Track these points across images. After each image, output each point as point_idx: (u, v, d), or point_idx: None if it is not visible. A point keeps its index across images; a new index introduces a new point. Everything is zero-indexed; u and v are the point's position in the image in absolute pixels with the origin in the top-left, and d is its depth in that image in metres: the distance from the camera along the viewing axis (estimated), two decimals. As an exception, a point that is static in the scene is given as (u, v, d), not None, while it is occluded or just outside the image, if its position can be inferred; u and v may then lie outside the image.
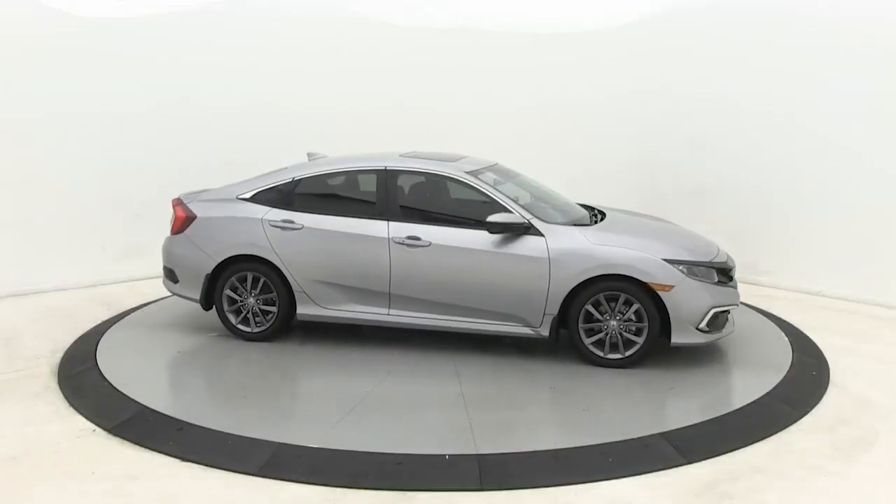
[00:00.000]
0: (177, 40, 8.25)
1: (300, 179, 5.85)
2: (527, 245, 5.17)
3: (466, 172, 5.53)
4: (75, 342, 5.80)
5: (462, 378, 4.98)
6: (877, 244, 7.11)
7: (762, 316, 6.56)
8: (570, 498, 3.53)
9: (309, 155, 6.54)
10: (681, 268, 5.08)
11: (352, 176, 5.85)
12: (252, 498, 3.52)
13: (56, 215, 7.59)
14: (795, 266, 7.72)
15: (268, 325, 5.73)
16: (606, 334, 5.14)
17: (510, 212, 5.25)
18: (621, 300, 5.07)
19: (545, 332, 5.20)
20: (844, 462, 3.90)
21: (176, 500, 3.49)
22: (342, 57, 9.34)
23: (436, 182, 5.69)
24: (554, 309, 5.14)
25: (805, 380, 5.04)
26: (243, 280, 5.75)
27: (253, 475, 3.71)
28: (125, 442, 4.10)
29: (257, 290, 5.72)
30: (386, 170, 5.64)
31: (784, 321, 6.39)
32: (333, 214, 5.62)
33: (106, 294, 7.36)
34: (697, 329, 5.07)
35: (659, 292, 5.00)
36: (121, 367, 5.17)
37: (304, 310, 5.65)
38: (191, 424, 4.23)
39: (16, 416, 4.45)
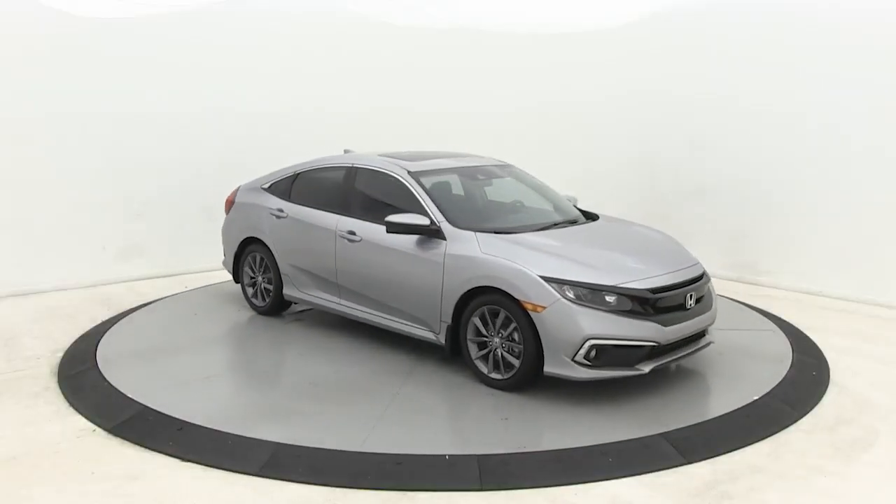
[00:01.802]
0: (177, 40, 8.26)
1: (298, 173, 6.37)
2: (430, 248, 5.02)
3: (408, 172, 5.47)
4: (75, 342, 5.80)
5: (463, 376, 4.98)
6: (877, 244, 7.11)
7: (762, 316, 6.56)
8: (570, 498, 3.53)
9: (345, 151, 6.69)
10: (559, 288, 4.42)
11: (331, 172, 6.13)
12: (252, 498, 3.52)
13: (56, 215, 7.59)
14: (795, 266, 7.72)
15: (268, 301, 6.43)
16: (490, 351, 4.76)
17: (418, 213, 5.08)
18: (501, 316, 4.65)
19: (443, 339, 5.01)
20: (844, 462, 3.90)
21: (176, 500, 3.49)
22: (342, 57, 9.34)
23: (382, 180, 5.63)
24: (448, 317, 4.92)
25: (805, 380, 5.04)
26: (255, 260, 6.49)
27: (253, 475, 3.71)
28: (125, 442, 4.09)
29: (262, 270, 6.45)
30: (351, 167, 5.93)
31: (784, 321, 6.39)
32: (308, 206, 6.06)
33: (106, 294, 7.36)
34: (573, 360, 4.39)
35: (530, 312, 4.45)
36: (120, 366, 5.17)
37: (287, 291, 6.23)
38: (191, 424, 4.23)
39: (16, 416, 4.44)
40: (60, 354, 5.54)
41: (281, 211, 6.21)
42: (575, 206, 5.98)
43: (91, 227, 7.82)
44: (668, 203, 8.90)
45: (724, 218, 8.34)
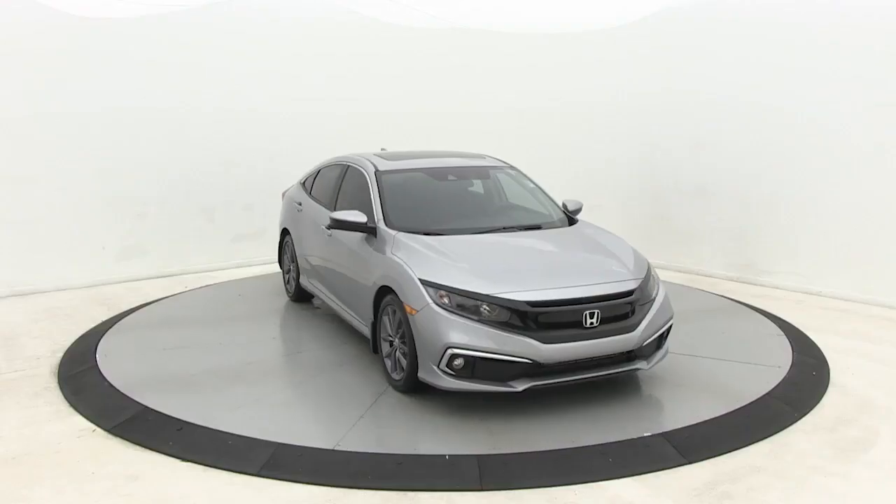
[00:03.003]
0: (178, 40, 8.26)
1: (320, 170, 6.76)
2: (366, 246, 5.16)
3: (375, 171, 5.64)
4: (75, 342, 5.80)
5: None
6: (877, 244, 7.11)
7: (762, 316, 6.55)
8: (570, 498, 3.53)
9: (381, 149, 6.85)
10: (434, 292, 4.31)
11: (335, 170, 6.40)
12: (252, 498, 3.52)
13: (56, 215, 7.60)
14: (795, 266, 7.72)
15: (293, 289, 6.89)
16: (394, 351, 4.74)
17: (360, 211, 5.20)
18: (396, 317, 4.63)
19: (369, 335, 5.08)
20: (844, 462, 3.90)
21: (176, 500, 3.49)
22: (343, 58, 9.34)
23: (358, 178, 5.81)
24: (370, 314, 4.99)
25: (805, 380, 5.03)
26: (289, 249, 6.98)
27: (253, 475, 3.71)
28: (125, 442, 4.10)
29: (291, 259, 6.93)
30: (344, 165, 6.22)
31: (784, 321, 6.39)
32: (315, 201, 6.45)
33: (106, 294, 7.36)
34: (437, 368, 4.25)
35: (409, 314, 4.40)
36: (121, 366, 5.17)
37: (302, 280, 6.64)
38: (191, 424, 4.23)
39: (16, 416, 4.45)
40: (60, 354, 5.54)
41: (300, 204, 6.71)
42: (565, 212, 5.71)
43: (91, 227, 7.83)
44: (668, 203, 8.91)
45: (725, 218, 8.34)
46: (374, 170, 5.66)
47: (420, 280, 4.40)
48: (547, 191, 6.10)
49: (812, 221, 7.59)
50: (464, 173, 6.03)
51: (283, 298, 7.14)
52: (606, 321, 4.37)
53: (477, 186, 6.01)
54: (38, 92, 7.44)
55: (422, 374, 4.39)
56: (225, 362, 5.34)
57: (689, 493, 3.56)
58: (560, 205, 5.84)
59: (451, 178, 5.93)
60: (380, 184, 5.48)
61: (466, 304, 4.25)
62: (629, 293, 4.51)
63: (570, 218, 5.66)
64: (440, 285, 4.33)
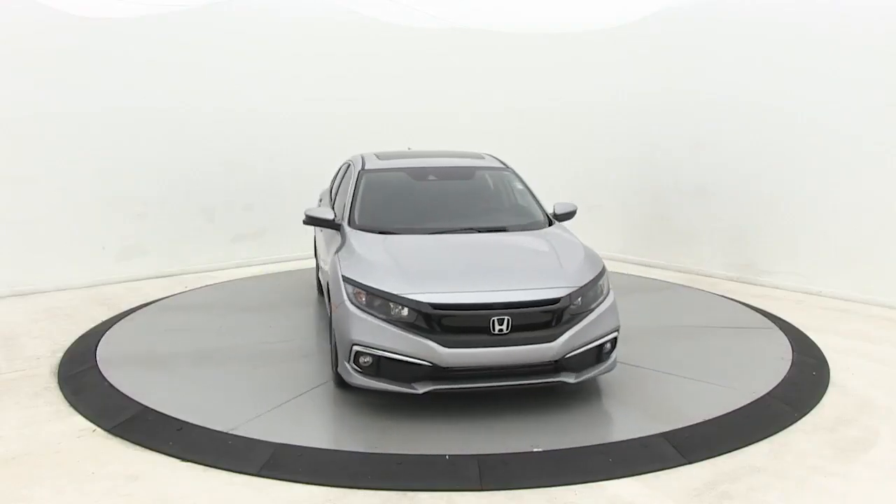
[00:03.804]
0: (178, 40, 8.26)
1: (341, 167, 6.82)
2: (332, 243, 5.29)
3: (362, 169, 5.83)
4: (75, 342, 5.80)
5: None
6: (877, 244, 7.11)
7: (762, 316, 6.55)
8: (570, 498, 3.53)
9: (408, 148, 7.05)
10: (352, 290, 4.38)
11: (343, 168, 6.58)
12: (252, 498, 3.52)
13: (56, 215, 7.59)
14: (795, 266, 7.72)
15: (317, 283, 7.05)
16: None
17: (330, 208, 5.58)
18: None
19: None
20: (844, 462, 3.89)
21: (176, 500, 3.49)
22: (343, 57, 9.34)
23: (351, 176, 5.95)
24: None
25: (805, 380, 5.03)
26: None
27: (253, 475, 3.71)
28: (125, 442, 4.09)
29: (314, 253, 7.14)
30: (348, 163, 6.39)
31: (784, 321, 6.39)
32: (332, 194, 6.49)
33: (106, 294, 7.36)
34: (348, 364, 4.33)
35: (331, 311, 4.62)
36: (121, 366, 5.17)
37: (320, 274, 6.42)
38: (191, 424, 4.23)
39: (16, 416, 4.45)
40: (60, 354, 5.54)
41: (321, 200, 7.05)
42: (549, 215, 5.54)
43: (91, 227, 7.83)
44: (668, 203, 8.90)
45: (724, 218, 8.34)
46: (360, 168, 5.85)
47: (342, 277, 4.48)
48: (544, 191, 6.04)
49: (812, 221, 7.59)
50: (447, 174, 6.02)
51: (287, 298, 7.14)
52: (520, 329, 4.21)
53: (457, 186, 5.97)
54: (38, 92, 7.44)
55: (339, 370, 4.48)
56: (226, 362, 5.34)
57: (689, 493, 3.56)
58: (546, 208, 5.65)
59: (431, 178, 5.95)
60: (359, 182, 5.64)
61: (378, 304, 4.27)
62: (551, 301, 4.29)
63: (551, 221, 5.51)
64: (358, 283, 4.38)
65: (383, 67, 9.55)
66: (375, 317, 4.23)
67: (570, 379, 4.37)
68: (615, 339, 4.59)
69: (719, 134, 8.33)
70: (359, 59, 9.40)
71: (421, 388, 4.19)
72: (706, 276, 8.32)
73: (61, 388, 4.89)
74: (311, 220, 5.41)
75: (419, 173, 5.95)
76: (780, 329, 6.13)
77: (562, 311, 4.32)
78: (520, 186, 5.95)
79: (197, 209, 8.51)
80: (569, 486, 3.63)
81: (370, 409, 4.46)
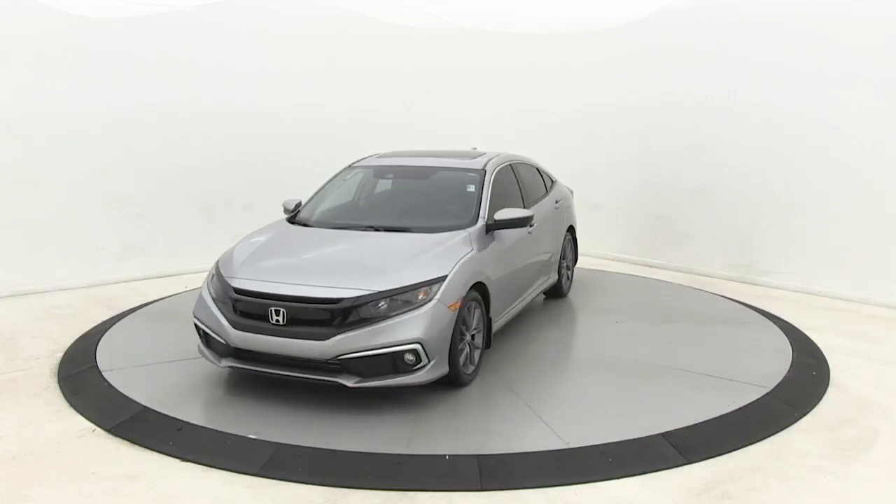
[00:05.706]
0: (178, 40, 8.26)
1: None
2: None
3: (351, 165, 6.23)
4: (75, 342, 5.80)
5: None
6: (877, 244, 7.11)
7: (762, 316, 6.55)
8: (570, 498, 3.53)
9: (473, 148, 7.04)
10: (212, 273, 5.00)
11: None
12: (252, 498, 3.52)
13: (56, 215, 7.59)
14: (795, 266, 7.72)
15: None
16: None
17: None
18: None
19: None
20: (844, 462, 3.90)
21: (176, 500, 3.49)
22: (343, 57, 9.34)
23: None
24: None
25: (805, 380, 5.03)
26: None
27: (253, 475, 3.71)
28: (125, 442, 4.09)
29: None
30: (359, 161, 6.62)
31: (784, 321, 6.39)
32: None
33: (106, 294, 7.36)
34: (199, 338, 4.95)
35: None
36: (121, 367, 5.17)
37: None
38: (191, 424, 4.23)
39: (16, 416, 4.44)
40: (60, 354, 5.54)
41: None
42: (487, 221, 5.24)
43: (91, 227, 7.82)
44: (668, 203, 8.91)
45: (724, 218, 8.34)
46: (352, 164, 6.29)
47: (216, 262, 5.04)
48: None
49: (812, 221, 7.59)
50: (406, 173, 6.14)
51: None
52: (297, 323, 4.33)
53: (407, 186, 6.07)
54: (39, 92, 7.44)
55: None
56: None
57: (689, 493, 3.56)
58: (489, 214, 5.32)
59: (388, 176, 6.16)
60: (335, 179, 6.15)
61: (216, 286, 4.79)
62: (333, 301, 4.25)
63: (489, 227, 5.23)
64: (217, 267, 4.96)
65: (384, 67, 9.55)
66: (211, 298, 4.76)
67: (347, 382, 4.27)
68: (416, 351, 4.27)
69: (720, 134, 8.33)
70: (359, 58, 9.40)
71: (223, 363, 4.68)
72: (706, 275, 8.32)
73: (61, 388, 4.88)
74: (286, 213, 5.88)
75: (380, 171, 6.18)
76: (780, 329, 6.13)
77: (346, 311, 4.25)
78: (471, 189, 5.56)
79: (197, 209, 8.51)
80: (569, 486, 3.62)
81: (371, 409, 4.46)
